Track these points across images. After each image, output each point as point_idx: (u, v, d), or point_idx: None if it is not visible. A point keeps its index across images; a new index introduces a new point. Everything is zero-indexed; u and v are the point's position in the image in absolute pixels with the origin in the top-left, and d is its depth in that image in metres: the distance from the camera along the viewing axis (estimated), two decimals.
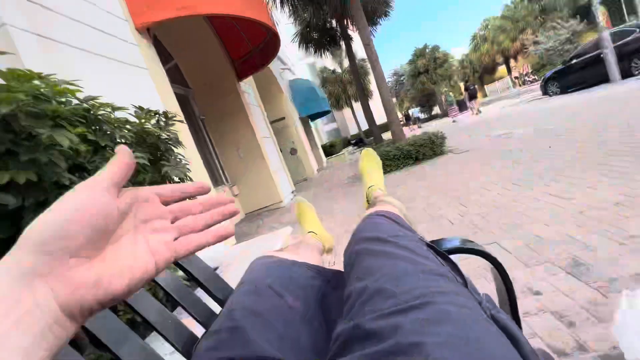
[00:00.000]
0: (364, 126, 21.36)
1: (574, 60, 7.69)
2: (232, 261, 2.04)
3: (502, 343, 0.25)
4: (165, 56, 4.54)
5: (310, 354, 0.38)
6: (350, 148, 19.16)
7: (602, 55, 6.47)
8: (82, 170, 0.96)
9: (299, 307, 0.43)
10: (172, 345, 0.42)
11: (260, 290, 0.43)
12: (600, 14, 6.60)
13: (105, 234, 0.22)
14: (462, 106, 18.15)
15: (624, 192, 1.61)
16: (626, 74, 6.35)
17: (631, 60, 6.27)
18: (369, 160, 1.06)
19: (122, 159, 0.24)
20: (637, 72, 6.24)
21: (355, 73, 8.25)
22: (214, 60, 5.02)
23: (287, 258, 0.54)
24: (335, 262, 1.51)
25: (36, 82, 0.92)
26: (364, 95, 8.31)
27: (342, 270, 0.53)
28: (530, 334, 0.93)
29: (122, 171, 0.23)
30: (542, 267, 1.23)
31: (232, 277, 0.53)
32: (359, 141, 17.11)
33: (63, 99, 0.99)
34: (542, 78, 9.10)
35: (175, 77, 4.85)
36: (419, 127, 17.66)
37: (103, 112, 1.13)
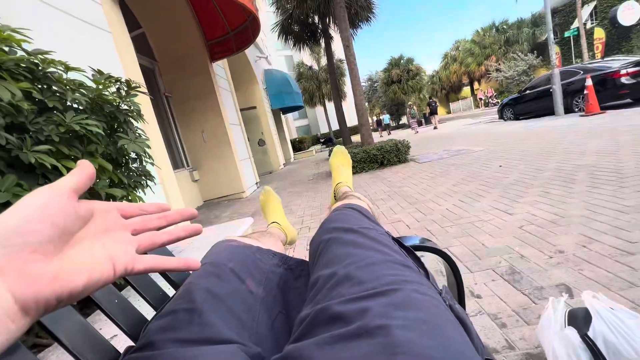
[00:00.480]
0: (335, 126, 21.58)
1: (528, 91, 8.48)
2: (191, 241, 1.97)
3: (460, 330, 0.27)
4: (131, 22, 4.18)
5: (269, 340, 0.37)
6: (318, 146, 19.24)
7: (551, 90, 7.21)
8: (22, 130, 0.84)
9: (260, 294, 0.43)
10: (118, 325, 0.39)
11: (222, 273, 0.42)
12: (555, 53, 7.34)
13: (64, 234, 0.22)
14: (427, 119, 19.12)
15: (556, 213, 1.82)
16: (568, 109, 7.16)
17: (573, 98, 7.08)
18: (340, 157, 1.07)
19: (84, 169, 0.25)
20: (576, 109, 7.05)
21: (332, 72, 8.29)
22: (186, 36, 4.72)
23: (251, 244, 0.53)
24: (294, 256, 1.51)
25: None
26: (338, 96, 8.39)
27: (306, 259, 0.53)
28: None
29: (83, 180, 0.25)
30: (484, 273, 1.35)
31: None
32: (327, 140, 17.25)
33: (6, 48, 0.86)
34: (500, 103, 9.92)
35: (141, 47, 4.49)
36: (389, 133, 18.30)
37: (54, 70, 1.01)
